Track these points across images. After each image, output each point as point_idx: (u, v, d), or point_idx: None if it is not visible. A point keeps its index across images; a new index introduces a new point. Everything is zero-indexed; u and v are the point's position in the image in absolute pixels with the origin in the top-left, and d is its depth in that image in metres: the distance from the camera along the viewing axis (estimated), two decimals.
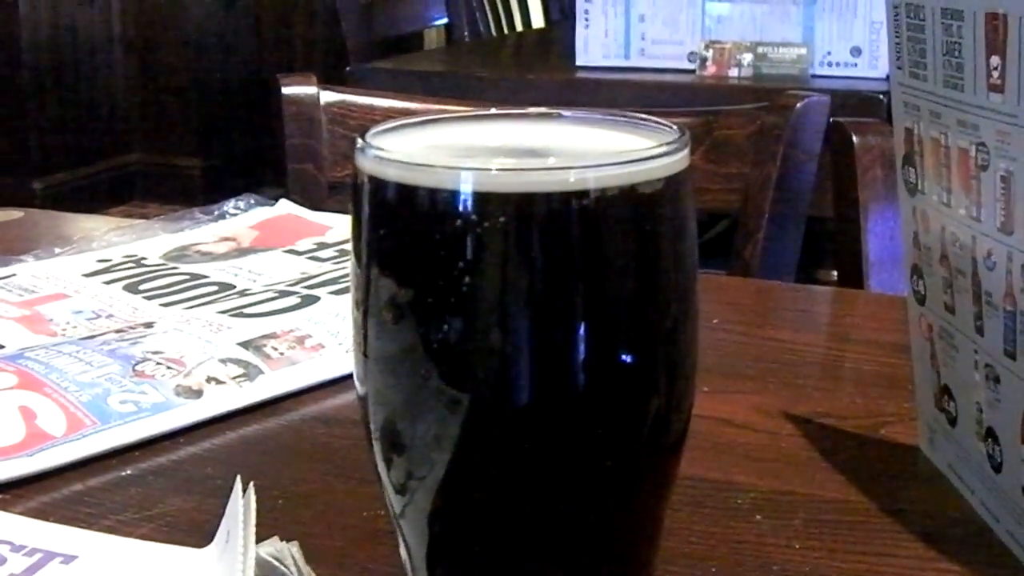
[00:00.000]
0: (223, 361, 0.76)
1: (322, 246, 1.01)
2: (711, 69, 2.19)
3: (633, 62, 2.26)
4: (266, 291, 0.89)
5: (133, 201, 4.68)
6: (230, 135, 4.75)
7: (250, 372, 0.75)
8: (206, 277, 0.93)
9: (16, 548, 0.57)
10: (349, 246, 0.46)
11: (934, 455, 0.66)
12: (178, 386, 0.72)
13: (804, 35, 2.16)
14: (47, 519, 0.60)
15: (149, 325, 0.81)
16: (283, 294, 0.88)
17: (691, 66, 2.22)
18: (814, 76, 2.14)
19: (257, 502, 0.51)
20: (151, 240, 1.04)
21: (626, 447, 0.45)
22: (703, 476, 0.64)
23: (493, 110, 0.49)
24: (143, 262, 0.98)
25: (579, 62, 2.29)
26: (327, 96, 1.39)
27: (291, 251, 1.00)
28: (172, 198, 4.42)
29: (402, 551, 0.48)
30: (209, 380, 0.74)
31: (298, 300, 0.86)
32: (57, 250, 1.00)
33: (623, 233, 0.43)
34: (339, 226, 1.05)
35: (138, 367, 0.74)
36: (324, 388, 0.76)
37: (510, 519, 0.45)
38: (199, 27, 4.72)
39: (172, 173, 4.72)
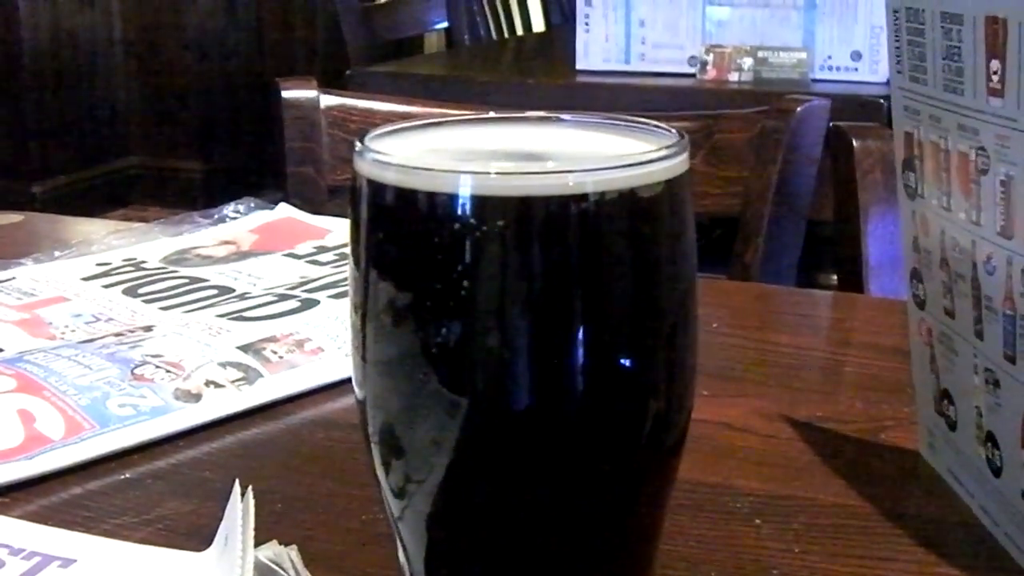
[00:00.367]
0: (222, 365, 0.75)
1: (322, 250, 1.01)
2: (711, 73, 2.19)
3: (633, 66, 2.26)
4: (265, 295, 0.89)
5: (133, 205, 4.68)
6: (230, 139, 4.75)
7: (249, 376, 0.75)
8: (205, 281, 0.93)
9: (15, 551, 0.57)
10: (348, 250, 0.46)
11: (934, 459, 0.66)
12: (177, 390, 0.72)
13: (804, 39, 2.16)
14: (46, 522, 0.60)
15: (148, 329, 0.81)
16: (282, 298, 0.88)
17: (691, 70, 2.22)
18: (814, 80, 2.14)
19: (256, 506, 0.51)
20: (150, 244, 1.03)
21: (625, 451, 0.45)
22: (702, 480, 0.64)
23: (492, 114, 0.49)
24: (142, 266, 0.97)
25: (579, 66, 2.29)
26: (327, 100, 1.39)
27: (291, 255, 1.00)
28: (172, 202, 4.43)
29: (401, 555, 0.48)
30: (208, 384, 0.73)
31: (297, 304, 0.86)
32: (56, 253, 1.00)
33: (622, 237, 0.43)
34: (339, 230, 1.05)
35: (137, 370, 0.73)
36: (323, 392, 0.76)
37: (509, 523, 0.45)
38: (199, 30, 4.72)
39: (172, 176, 4.72)
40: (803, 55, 2.15)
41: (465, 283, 0.42)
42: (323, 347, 0.79)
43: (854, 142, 1.14)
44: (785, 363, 0.83)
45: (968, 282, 0.57)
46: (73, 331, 0.83)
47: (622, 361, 0.44)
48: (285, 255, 1.00)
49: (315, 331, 0.81)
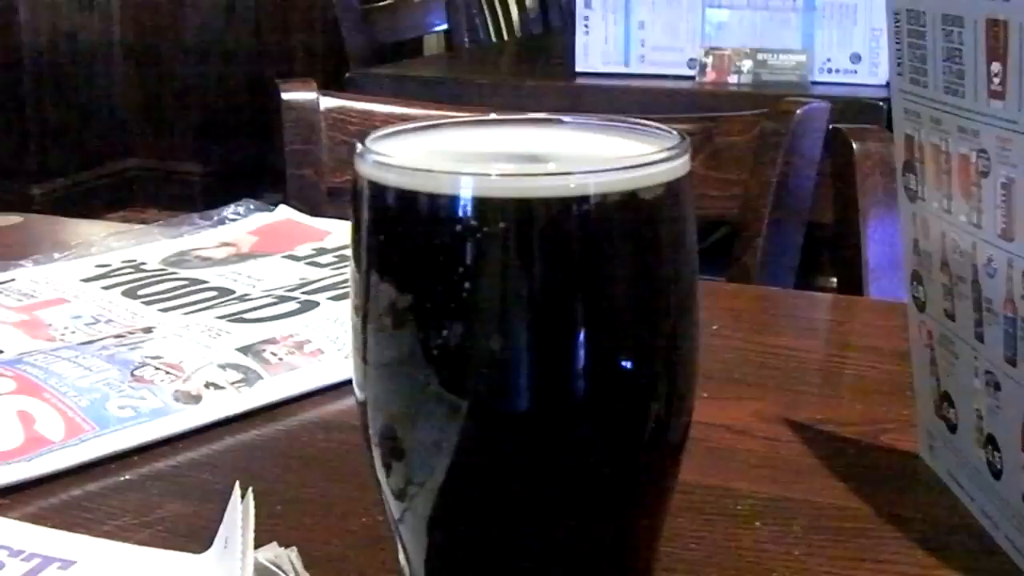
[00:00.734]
0: (222, 366, 0.75)
1: (321, 251, 1.00)
2: (711, 76, 2.19)
3: (633, 69, 2.26)
4: (265, 296, 0.89)
5: (132, 207, 4.68)
6: (229, 141, 4.75)
7: (249, 377, 0.75)
8: (205, 282, 0.93)
9: (14, 553, 0.57)
10: (348, 251, 0.46)
11: (934, 462, 0.66)
12: (177, 391, 0.72)
13: (804, 42, 2.16)
14: (45, 524, 0.60)
15: (148, 330, 0.81)
16: (282, 299, 0.88)
17: (691, 73, 2.22)
18: (814, 83, 2.15)
19: (256, 507, 0.51)
20: (150, 245, 1.03)
21: (626, 453, 0.45)
22: (703, 482, 0.64)
23: (493, 115, 0.49)
24: (142, 267, 0.97)
25: (579, 68, 2.29)
26: (326, 101, 1.39)
27: (290, 256, 1.00)
28: (171, 204, 4.42)
29: (401, 557, 0.48)
30: (208, 385, 0.73)
31: (297, 305, 0.86)
32: (56, 255, 1.00)
33: (623, 239, 0.43)
34: (338, 231, 1.05)
35: (137, 372, 0.73)
36: (323, 393, 0.76)
37: (509, 525, 0.45)
38: (199, 33, 4.72)
39: (171, 179, 4.72)
40: (802, 58, 2.15)
41: (466, 285, 0.42)
42: (323, 349, 0.79)
43: (854, 145, 1.14)
44: (785, 366, 0.83)
45: (969, 285, 0.57)
46: (73, 333, 0.83)
47: (623, 363, 0.44)
48: (285, 257, 1.00)
49: (315, 333, 0.81)
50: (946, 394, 0.63)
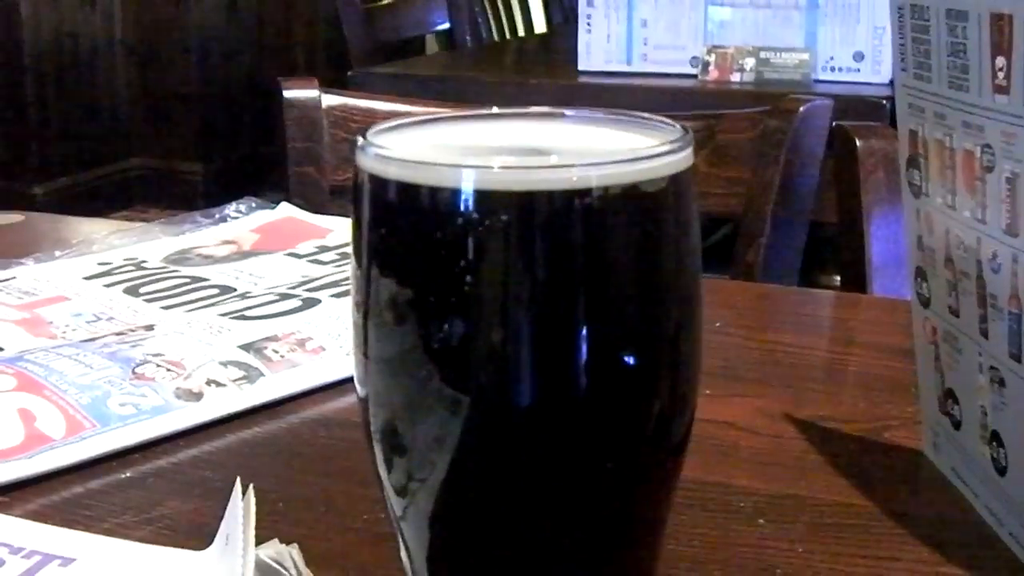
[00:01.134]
0: (223, 364, 0.75)
1: (323, 249, 1.00)
2: (713, 74, 2.19)
3: (635, 67, 2.26)
4: (267, 294, 0.88)
5: (134, 206, 4.68)
6: (232, 140, 4.76)
7: (250, 375, 0.75)
8: (207, 280, 0.93)
9: (15, 550, 0.56)
10: (350, 248, 0.46)
11: (938, 459, 0.66)
12: (178, 389, 0.72)
13: (807, 40, 2.16)
14: (46, 521, 0.60)
15: (149, 328, 0.81)
16: (284, 297, 0.87)
17: (693, 71, 2.22)
18: (817, 81, 2.14)
19: (257, 505, 0.50)
20: (152, 243, 1.03)
21: (628, 449, 0.45)
22: (705, 479, 0.64)
23: (495, 109, 0.49)
24: (144, 265, 0.97)
25: (581, 67, 2.28)
26: (328, 99, 1.39)
27: (292, 254, 0.99)
28: (173, 203, 4.42)
29: (403, 554, 0.48)
30: (209, 383, 0.73)
31: (299, 303, 0.86)
32: (57, 253, 1.00)
33: (626, 232, 0.42)
34: (340, 229, 1.05)
35: (138, 369, 0.73)
36: (325, 391, 0.76)
37: (511, 521, 0.45)
38: (201, 31, 4.72)
39: (174, 178, 4.72)
40: (805, 56, 2.14)
41: (468, 279, 0.42)
42: (324, 346, 0.79)
43: (857, 142, 1.14)
44: (788, 362, 0.83)
45: (973, 280, 0.57)
46: (74, 330, 0.83)
47: (626, 358, 0.43)
48: (286, 254, 0.99)
49: (316, 330, 0.81)
50: (950, 390, 0.62)
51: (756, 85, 2.15)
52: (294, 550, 0.53)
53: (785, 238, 1.26)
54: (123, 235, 1.06)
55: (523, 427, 0.43)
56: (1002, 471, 0.57)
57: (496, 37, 3.30)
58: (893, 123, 0.66)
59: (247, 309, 0.85)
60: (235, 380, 0.74)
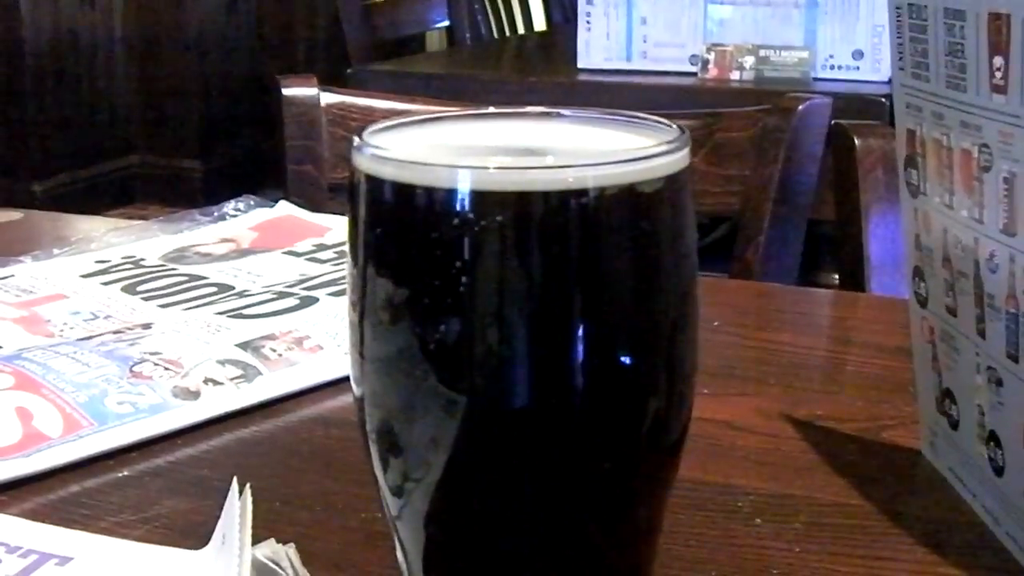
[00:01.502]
0: (221, 362, 0.75)
1: (321, 247, 1.00)
2: (713, 72, 2.19)
3: (635, 65, 2.26)
4: (265, 292, 0.88)
5: (134, 203, 4.68)
6: (231, 137, 4.75)
7: (248, 373, 0.75)
8: (205, 278, 0.93)
9: (11, 549, 0.56)
10: (347, 247, 0.46)
11: (935, 459, 0.66)
12: (175, 387, 0.72)
13: (806, 38, 2.16)
14: (43, 520, 0.60)
15: (147, 326, 0.81)
16: (282, 295, 0.87)
17: (693, 69, 2.21)
18: (816, 79, 2.14)
19: (254, 504, 0.50)
20: (150, 241, 1.03)
21: (625, 449, 0.45)
22: (702, 479, 0.63)
23: (492, 109, 0.49)
24: (142, 263, 0.97)
25: (580, 65, 2.28)
26: (327, 97, 1.39)
27: (290, 252, 0.99)
28: (173, 200, 4.42)
29: (399, 553, 0.48)
30: (207, 381, 0.73)
31: (297, 301, 0.86)
32: (56, 251, 1.00)
33: (622, 233, 0.42)
34: (339, 228, 1.05)
35: (135, 368, 0.73)
36: (322, 390, 0.76)
37: (507, 521, 0.45)
38: (200, 29, 4.72)
39: (173, 175, 4.72)
40: (805, 54, 2.14)
41: (463, 279, 0.41)
42: (322, 345, 0.79)
43: (856, 141, 1.14)
44: (786, 362, 0.83)
45: (970, 280, 0.57)
46: (72, 328, 0.83)
47: (622, 358, 0.43)
48: (285, 253, 0.99)
49: (314, 329, 0.81)
50: (948, 390, 0.62)
51: (756, 83, 2.15)
52: (291, 549, 0.53)
53: (783, 236, 1.26)
54: (121, 233, 1.06)
55: (519, 427, 0.43)
56: (999, 471, 0.57)
57: (496, 35, 3.30)
58: (892, 121, 0.65)
59: (245, 307, 0.85)
60: (233, 379, 0.74)
